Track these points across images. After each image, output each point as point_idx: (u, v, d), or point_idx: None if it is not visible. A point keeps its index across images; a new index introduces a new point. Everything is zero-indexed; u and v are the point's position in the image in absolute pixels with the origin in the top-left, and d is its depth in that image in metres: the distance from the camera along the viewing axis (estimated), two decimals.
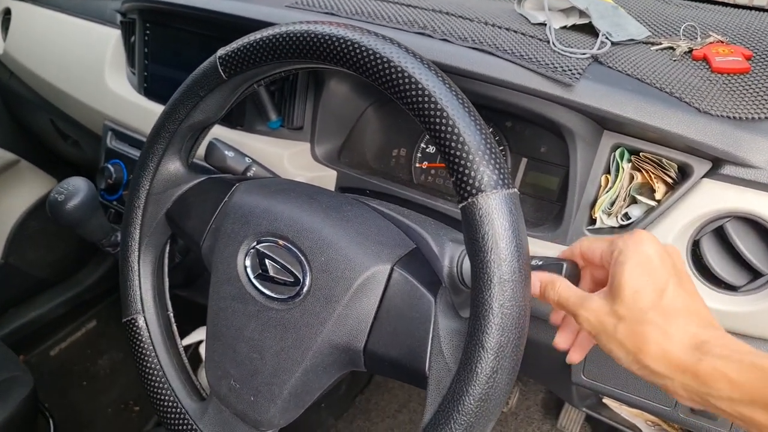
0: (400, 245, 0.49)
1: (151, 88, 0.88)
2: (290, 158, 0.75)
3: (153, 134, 0.57)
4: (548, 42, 0.58)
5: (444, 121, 0.39)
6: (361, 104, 0.78)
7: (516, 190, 0.39)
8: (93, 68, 0.96)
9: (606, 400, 0.82)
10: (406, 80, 0.40)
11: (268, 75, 0.52)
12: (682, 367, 0.36)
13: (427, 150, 0.77)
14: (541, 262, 0.45)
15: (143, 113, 0.88)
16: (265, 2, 0.72)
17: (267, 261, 0.49)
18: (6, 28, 1.20)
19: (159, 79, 0.87)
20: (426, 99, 0.40)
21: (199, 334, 1.11)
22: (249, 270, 0.50)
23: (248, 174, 0.65)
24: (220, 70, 0.51)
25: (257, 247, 0.50)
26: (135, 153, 0.91)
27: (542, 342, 0.66)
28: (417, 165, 0.77)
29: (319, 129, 0.76)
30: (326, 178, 0.75)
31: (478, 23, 0.63)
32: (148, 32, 0.86)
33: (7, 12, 1.18)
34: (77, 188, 0.69)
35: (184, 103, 0.54)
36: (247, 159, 0.66)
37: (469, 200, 0.38)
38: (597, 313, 0.40)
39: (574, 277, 0.46)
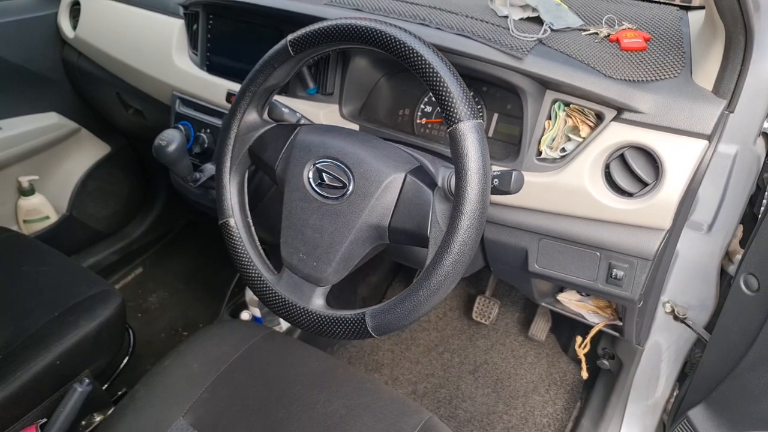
0: (410, 162, 0.75)
1: (212, 65, 1.14)
2: (324, 116, 1.01)
3: (240, 94, 0.82)
4: (509, 29, 0.84)
5: (439, 80, 0.65)
6: (376, 75, 1.04)
7: (481, 120, 0.66)
8: (161, 50, 1.21)
9: (559, 297, 1.10)
10: (416, 56, 0.66)
11: (320, 53, 0.78)
12: None
13: (425, 110, 1.03)
14: (499, 172, 0.72)
15: (206, 85, 1.14)
16: (304, 0, 0.98)
17: (323, 174, 0.76)
18: (73, 17, 1.45)
19: (219, 58, 1.13)
20: (428, 67, 0.66)
21: None
22: (311, 181, 0.77)
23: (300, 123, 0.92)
24: (290, 49, 0.77)
25: (317, 165, 0.76)
26: (198, 115, 1.17)
27: (505, 242, 0.94)
28: (417, 121, 1.04)
29: (345, 94, 1.02)
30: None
31: (461, 16, 0.89)
32: (210, 22, 1.12)
33: (76, 3, 1.43)
34: (174, 137, 0.95)
35: (263, 71, 0.80)
36: (297, 114, 0.92)
37: (453, 126, 0.65)
38: None
39: (519, 182, 0.72)
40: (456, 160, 0.65)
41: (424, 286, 0.66)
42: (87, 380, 1.01)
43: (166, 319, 1.70)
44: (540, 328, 1.46)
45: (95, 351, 1.10)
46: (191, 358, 1.00)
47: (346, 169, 0.74)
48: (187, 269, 1.89)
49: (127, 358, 1.29)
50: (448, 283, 0.66)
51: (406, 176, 0.73)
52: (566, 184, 0.82)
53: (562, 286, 1.10)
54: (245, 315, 1.37)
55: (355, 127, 1.01)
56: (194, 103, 1.17)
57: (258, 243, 0.85)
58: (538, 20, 0.88)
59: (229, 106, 1.11)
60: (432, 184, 0.73)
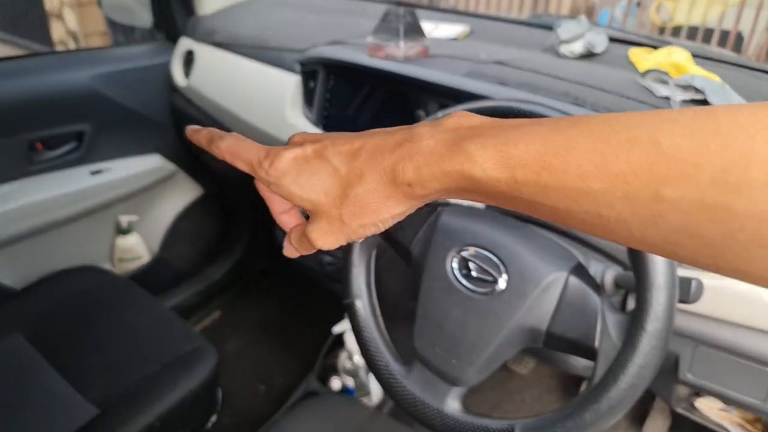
0: (570, 259, 0.68)
1: (329, 124, 1.11)
2: None
3: None
4: None
5: None
6: None
7: None
8: (274, 104, 1.20)
9: (697, 403, 0.98)
10: None
11: None
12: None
13: None
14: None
15: None
16: (441, 68, 0.94)
17: (470, 264, 0.69)
18: (186, 65, 1.47)
19: (336, 117, 1.10)
20: None
21: (343, 325, 1.32)
22: (456, 270, 0.70)
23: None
24: None
25: (462, 254, 0.70)
26: None
27: None
28: None
29: None
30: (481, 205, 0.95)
31: (615, 95, 0.82)
32: (331, 81, 1.10)
33: (190, 53, 1.45)
34: None
35: None
36: None
37: None
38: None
39: (699, 292, 0.63)
40: (640, 270, 0.57)
41: (591, 408, 0.58)
42: None
43: (242, 370, 1.66)
44: (657, 427, 1.32)
45: (192, 413, 1.06)
46: None
47: (498, 262, 0.68)
48: (263, 318, 1.86)
49: (215, 417, 1.25)
50: (621, 408, 0.58)
51: (568, 276, 0.65)
52: (739, 290, 0.73)
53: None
54: (336, 384, 1.31)
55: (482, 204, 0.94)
56: None
57: (384, 328, 0.79)
58: (704, 103, 0.80)
59: None
60: (597, 286, 0.65)
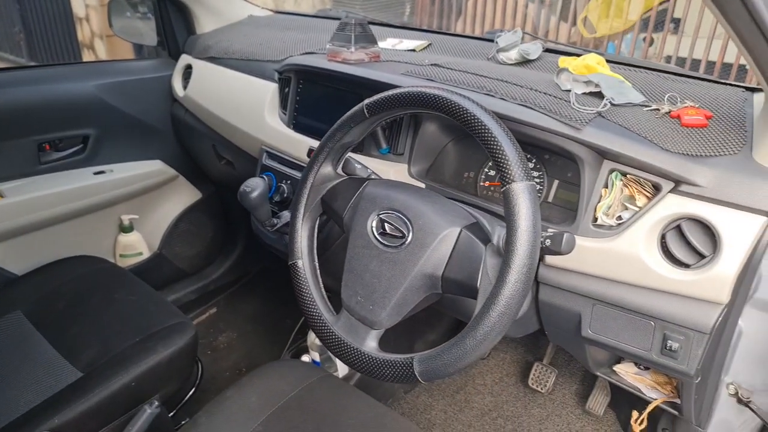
0: (467, 218, 0.80)
1: (298, 124, 1.27)
2: (394, 173, 1.09)
3: (318, 148, 0.92)
4: (570, 102, 0.90)
5: (496, 143, 0.71)
6: (444, 140, 1.11)
7: (533, 182, 0.71)
8: (255, 109, 1.36)
9: (616, 368, 1.08)
10: (476, 121, 0.73)
11: (392, 116, 0.87)
12: None
13: (489, 173, 1.09)
14: (551, 233, 0.75)
15: (291, 141, 1.26)
16: (384, 70, 1.08)
17: (385, 224, 0.82)
18: (185, 78, 1.65)
19: (304, 118, 1.25)
20: (486, 131, 0.72)
21: None
22: (374, 229, 0.83)
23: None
24: (365, 111, 0.86)
25: (380, 215, 0.83)
26: (281, 167, 1.28)
27: (560, 305, 0.95)
28: (481, 183, 1.09)
29: (414, 155, 1.10)
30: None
31: (526, 88, 0.96)
32: (300, 86, 1.25)
33: (188, 67, 1.63)
34: (257, 184, 1.06)
35: (340, 130, 0.89)
36: (369, 170, 1.00)
37: (507, 186, 0.70)
38: None
39: (570, 244, 0.74)
40: (508, 217, 0.70)
41: (470, 335, 0.70)
42: (156, 403, 1.09)
43: (232, 359, 1.79)
44: (598, 402, 1.40)
45: (167, 377, 1.19)
46: (251, 392, 1.06)
47: (406, 220, 0.81)
48: (256, 312, 1.99)
49: (193, 390, 1.37)
50: (494, 334, 0.69)
51: (461, 231, 0.78)
52: (621, 252, 0.84)
53: (620, 357, 1.08)
54: (305, 358, 1.43)
55: (422, 185, 1.08)
56: (279, 156, 1.30)
57: (321, 285, 0.92)
58: (600, 95, 0.93)
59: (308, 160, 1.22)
60: (485, 239, 0.77)
